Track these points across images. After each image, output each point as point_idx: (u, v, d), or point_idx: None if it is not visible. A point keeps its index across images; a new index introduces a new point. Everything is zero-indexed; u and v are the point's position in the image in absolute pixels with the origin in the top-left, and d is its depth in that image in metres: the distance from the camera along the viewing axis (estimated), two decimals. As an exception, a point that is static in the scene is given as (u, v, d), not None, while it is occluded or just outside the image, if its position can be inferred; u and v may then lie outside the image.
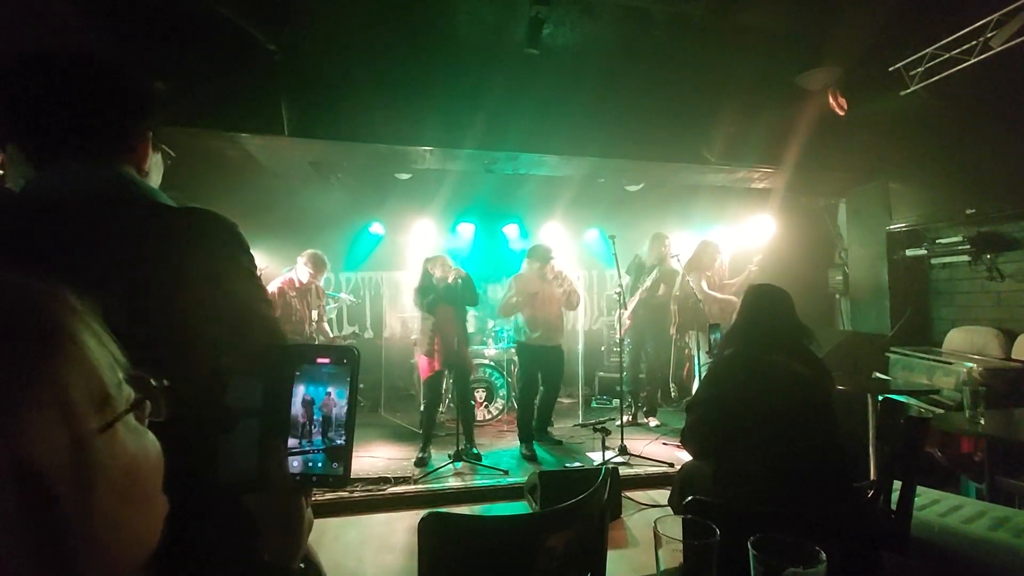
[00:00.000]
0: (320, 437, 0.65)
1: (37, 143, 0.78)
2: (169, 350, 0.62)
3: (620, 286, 4.60)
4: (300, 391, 0.66)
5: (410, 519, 3.27)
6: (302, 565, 0.68)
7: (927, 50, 3.38)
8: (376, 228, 6.29)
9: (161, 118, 0.90)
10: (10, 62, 0.74)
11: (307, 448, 0.66)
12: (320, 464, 0.65)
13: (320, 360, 0.67)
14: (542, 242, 4.76)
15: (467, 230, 6.46)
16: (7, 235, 0.69)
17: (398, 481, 3.63)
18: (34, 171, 0.77)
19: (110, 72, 0.81)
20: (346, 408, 0.66)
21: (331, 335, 4.79)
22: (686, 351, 5.52)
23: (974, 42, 3.12)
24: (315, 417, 0.66)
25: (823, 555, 0.76)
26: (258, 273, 0.87)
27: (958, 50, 3.21)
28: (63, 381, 0.37)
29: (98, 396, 0.39)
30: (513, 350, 5.30)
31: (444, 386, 4.59)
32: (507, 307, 4.44)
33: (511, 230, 6.56)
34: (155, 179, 0.93)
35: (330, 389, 0.66)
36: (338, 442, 0.65)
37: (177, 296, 0.72)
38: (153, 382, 0.45)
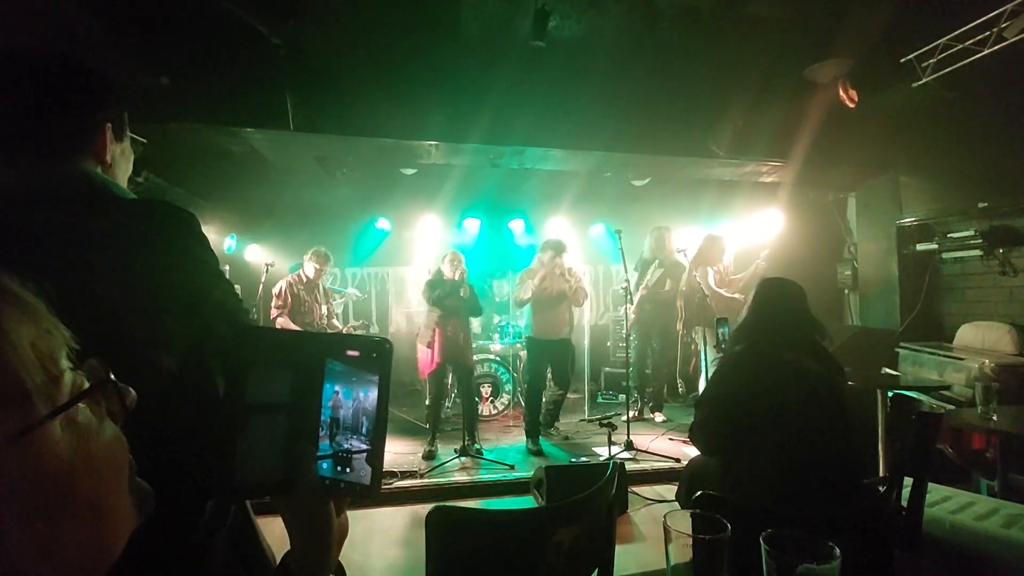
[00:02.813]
0: (335, 440, 0.59)
1: None
2: (126, 343, 0.61)
3: (627, 281, 4.58)
4: (326, 388, 0.59)
5: (417, 513, 3.28)
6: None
7: (939, 41, 3.31)
8: (382, 223, 6.29)
9: (122, 108, 0.88)
10: None
11: (328, 452, 0.59)
12: (347, 471, 0.58)
13: (349, 353, 0.59)
14: (555, 237, 4.73)
15: (473, 225, 6.45)
16: None
17: (405, 475, 3.65)
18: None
19: (60, 67, 0.80)
20: (376, 409, 0.59)
21: (341, 330, 4.83)
22: (692, 346, 5.48)
23: (987, 32, 3.06)
24: (325, 418, 0.59)
25: (837, 551, 0.75)
26: (218, 264, 0.84)
27: (971, 41, 3.15)
28: None
29: (12, 396, 0.32)
30: (519, 345, 5.30)
31: (448, 380, 4.61)
32: (518, 298, 4.46)
33: (517, 225, 6.55)
34: (124, 168, 0.91)
35: (358, 386, 0.59)
36: (362, 447, 0.58)
37: (129, 288, 0.71)
38: (101, 371, 0.39)
